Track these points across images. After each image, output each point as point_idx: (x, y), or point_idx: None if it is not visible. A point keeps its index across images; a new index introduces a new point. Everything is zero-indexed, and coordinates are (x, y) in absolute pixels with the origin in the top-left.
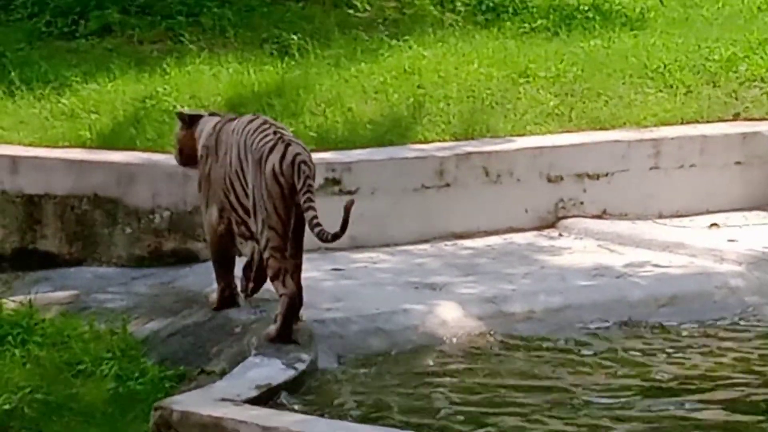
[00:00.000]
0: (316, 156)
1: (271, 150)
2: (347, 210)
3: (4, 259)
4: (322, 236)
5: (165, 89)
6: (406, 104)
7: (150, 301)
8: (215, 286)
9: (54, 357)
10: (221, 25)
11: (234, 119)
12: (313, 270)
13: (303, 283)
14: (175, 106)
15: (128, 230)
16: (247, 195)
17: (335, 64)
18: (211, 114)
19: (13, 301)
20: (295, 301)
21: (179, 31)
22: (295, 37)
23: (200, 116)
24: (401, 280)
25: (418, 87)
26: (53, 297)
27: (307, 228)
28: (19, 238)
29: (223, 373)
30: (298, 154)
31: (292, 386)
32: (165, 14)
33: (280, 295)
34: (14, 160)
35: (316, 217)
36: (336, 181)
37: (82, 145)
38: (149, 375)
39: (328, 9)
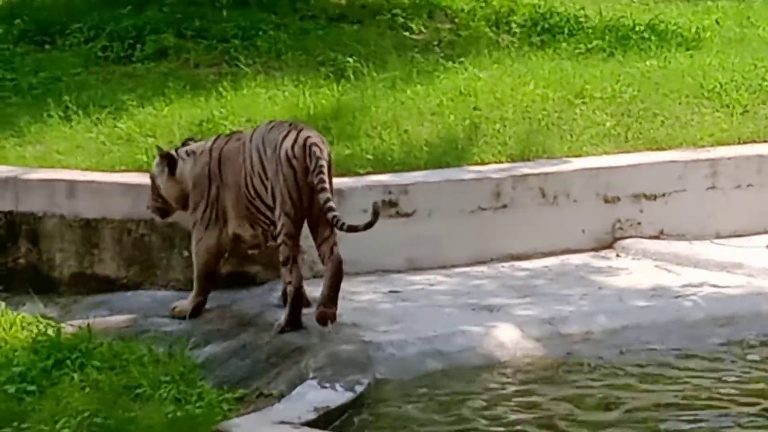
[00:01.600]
0: (373, 178)
1: (284, 137)
2: (376, 209)
3: (62, 283)
4: (336, 223)
5: (221, 112)
6: (462, 126)
7: (207, 324)
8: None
9: (112, 381)
10: (277, 48)
11: (232, 137)
12: (370, 292)
13: (360, 305)
14: (231, 130)
15: (185, 254)
16: (267, 190)
17: (391, 87)
18: (185, 143)
19: (72, 325)
20: (301, 291)
21: (235, 54)
22: (350, 59)
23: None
24: (459, 301)
25: (474, 108)
26: (111, 321)
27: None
28: (77, 262)
29: (281, 396)
30: (308, 137)
31: (351, 409)
32: (221, 38)
33: (287, 283)
34: (72, 184)
35: (329, 199)
36: (393, 204)
37: (139, 169)
38: (207, 398)
39: (383, 31)
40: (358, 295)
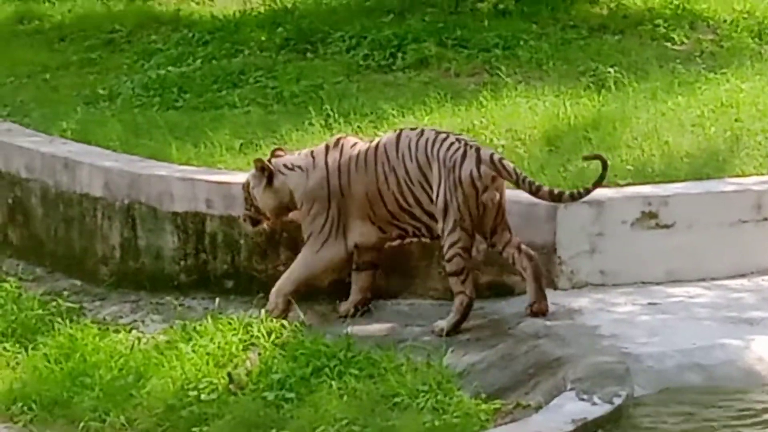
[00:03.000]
0: (633, 189)
1: (463, 156)
2: (604, 163)
3: (321, 291)
4: (574, 195)
5: (481, 122)
6: (723, 137)
7: (466, 333)
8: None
9: (370, 389)
10: (537, 58)
11: (343, 146)
12: (628, 304)
13: (619, 317)
14: (491, 140)
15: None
16: (431, 201)
17: (652, 97)
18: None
19: (331, 333)
20: (472, 302)
21: (496, 64)
22: (611, 70)
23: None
24: (718, 314)
25: (736, 120)
26: (370, 329)
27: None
28: (337, 271)
29: (538, 407)
30: (492, 153)
31: (609, 421)
32: (482, 47)
33: (458, 293)
34: None
35: (551, 188)
36: (652, 215)
37: None
38: (465, 408)
39: (645, 42)
40: (617, 306)
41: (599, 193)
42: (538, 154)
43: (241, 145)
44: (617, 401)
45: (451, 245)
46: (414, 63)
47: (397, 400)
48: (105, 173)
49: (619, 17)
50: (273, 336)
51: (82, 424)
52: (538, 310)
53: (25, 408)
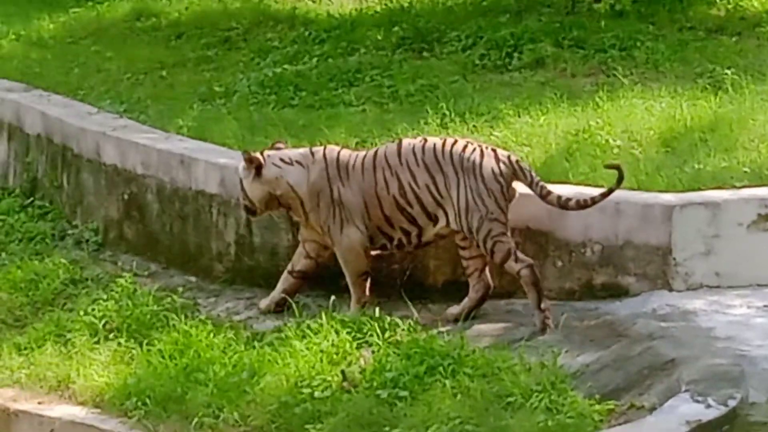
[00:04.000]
0: (749, 192)
1: (481, 156)
2: (621, 173)
3: (435, 290)
4: (580, 203)
5: (597, 123)
6: None
7: (580, 334)
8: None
9: (484, 388)
10: (654, 59)
11: (338, 148)
12: (744, 306)
13: (735, 319)
14: (607, 141)
15: (559, 263)
16: (438, 204)
17: None
18: (273, 147)
19: (444, 332)
20: (534, 269)
21: (612, 64)
22: (728, 71)
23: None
24: None
25: None
26: (483, 329)
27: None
28: (451, 270)
29: (652, 409)
30: (509, 154)
31: (723, 423)
32: (598, 48)
33: (518, 271)
34: None
35: (561, 196)
36: None
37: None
38: (578, 408)
39: (762, 44)
40: (732, 308)
41: (715, 194)
42: (654, 156)
43: (357, 143)
44: (732, 404)
45: (486, 237)
46: (530, 63)
47: (510, 399)
48: (221, 170)
49: (737, 19)
50: (387, 334)
51: (195, 420)
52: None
53: (139, 403)
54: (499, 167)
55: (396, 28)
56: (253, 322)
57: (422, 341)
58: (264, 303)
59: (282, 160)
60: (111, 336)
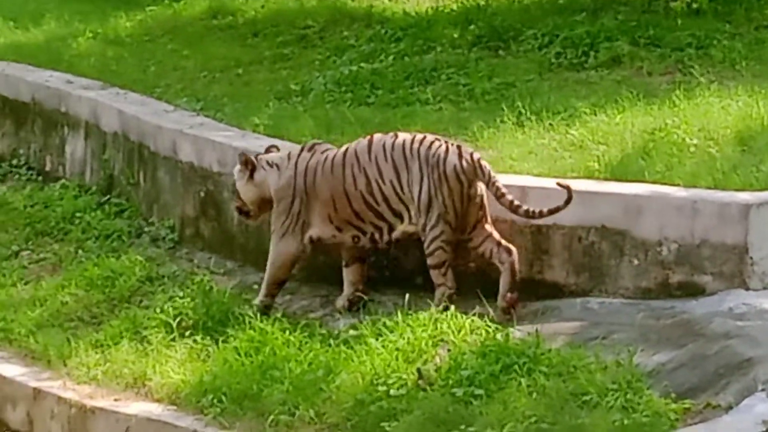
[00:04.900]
0: None
1: (446, 153)
2: (569, 194)
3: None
4: (529, 213)
5: (673, 121)
6: None
7: (656, 333)
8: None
9: (560, 387)
10: (731, 58)
11: (315, 149)
12: None
13: None
14: (683, 139)
15: (635, 262)
16: (401, 200)
17: None
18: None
19: (520, 330)
20: (452, 294)
21: (689, 63)
22: None
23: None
24: None
25: None
26: (559, 327)
27: None
28: (527, 267)
29: (729, 408)
30: (472, 153)
31: None
32: (674, 46)
33: (439, 285)
34: (523, 189)
35: (514, 200)
36: None
37: (590, 177)
38: (654, 407)
39: None
40: None
41: None
42: (731, 154)
43: None
44: None
45: (434, 239)
46: (606, 61)
47: (586, 398)
48: None
49: None
50: (462, 332)
51: (271, 418)
52: (512, 302)
53: (215, 400)
54: (461, 164)
55: (472, 26)
56: (328, 320)
57: (498, 339)
58: (339, 301)
59: (267, 163)
60: (187, 333)
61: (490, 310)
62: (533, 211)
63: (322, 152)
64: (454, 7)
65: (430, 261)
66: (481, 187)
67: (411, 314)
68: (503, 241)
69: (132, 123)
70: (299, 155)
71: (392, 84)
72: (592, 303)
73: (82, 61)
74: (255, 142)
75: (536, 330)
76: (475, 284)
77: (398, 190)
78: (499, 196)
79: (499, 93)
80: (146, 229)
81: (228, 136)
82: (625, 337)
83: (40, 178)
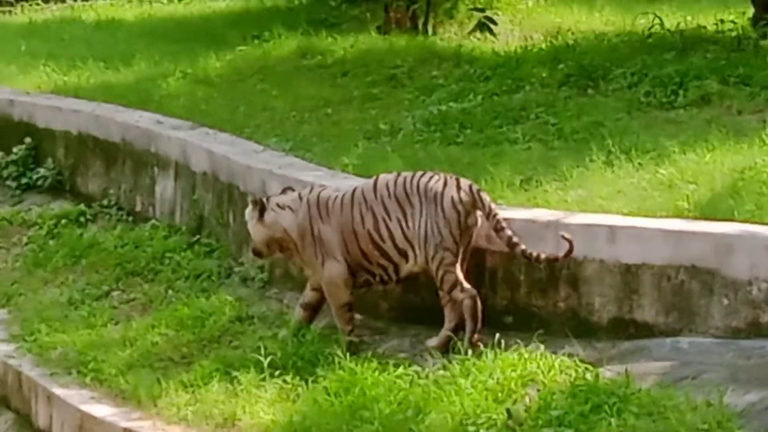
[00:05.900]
0: None
1: (444, 185)
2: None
3: (601, 327)
4: (525, 254)
5: (764, 160)
6: None
7: (746, 372)
8: None
9: (650, 427)
10: None
11: (322, 189)
12: None
13: None
14: None
15: (725, 301)
16: (406, 237)
17: None
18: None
19: (610, 370)
20: (477, 300)
21: None
22: None
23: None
24: None
25: None
26: (649, 367)
27: None
28: (616, 307)
29: None
30: (471, 184)
31: None
32: (764, 85)
33: (461, 300)
34: (612, 229)
35: (513, 236)
36: None
37: (680, 216)
38: None
39: None
40: None
41: None
42: None
43: (522, 181)
44: None
45: (438, 267)
46: (696, 100)
47: None
48: None
49: None
50: (551, 372)
51: None
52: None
53: None
54: (459, 195)
55: (561, 66)
56: (418, 360)
57: (588, 379)
58: (433, 341)
59: (278, 205)
60: (277, 373)
61: (580, 349)
62: (530, 254)
63: (332, 191)
64: (543, 46)
65: (445, 287)
66: (479, 218)
67: (501, 354)
68: (465, 285)
69: (222, 163)
70: (310, 192)
71: (481, 123)
72: (682, 343)
73: (172, 101)
74: (345, 182)
75: (626, 370)
76: (565, 323)
77: (404, 227)
78: (498, 230)
79: (588, 132)
80: (236, 269)
81: (317, 176)
82: (716, 376)
83: (131, 218)
